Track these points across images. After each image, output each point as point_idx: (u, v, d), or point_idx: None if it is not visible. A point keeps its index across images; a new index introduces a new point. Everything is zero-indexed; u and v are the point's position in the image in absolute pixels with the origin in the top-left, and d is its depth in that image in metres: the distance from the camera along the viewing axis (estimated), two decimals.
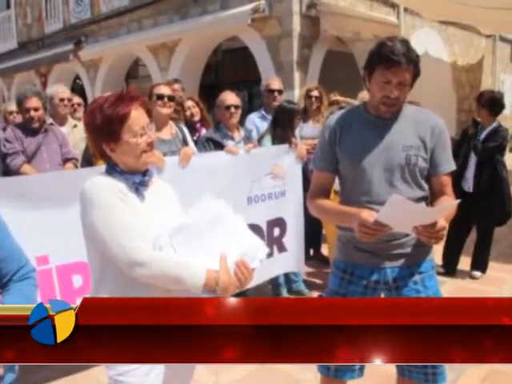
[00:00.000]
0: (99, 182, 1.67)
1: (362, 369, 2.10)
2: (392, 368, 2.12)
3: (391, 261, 2.00)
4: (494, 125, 4.63)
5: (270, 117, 4.64)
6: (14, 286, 1.47)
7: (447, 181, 2.04)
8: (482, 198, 4.55)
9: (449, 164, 2.03)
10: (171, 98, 3.56)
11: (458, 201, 1.85)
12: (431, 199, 2.09)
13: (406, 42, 1.90)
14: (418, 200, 1.99)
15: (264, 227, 3.86)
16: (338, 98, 4.47)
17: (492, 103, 4.57)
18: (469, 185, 4.64)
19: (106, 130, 1.65)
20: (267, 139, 4.20)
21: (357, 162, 1.98)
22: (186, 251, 1.62)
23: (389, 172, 1.95)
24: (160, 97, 3.50)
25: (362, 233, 1.80)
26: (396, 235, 1.93)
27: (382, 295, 2.06)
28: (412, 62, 1.87)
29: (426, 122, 1.99)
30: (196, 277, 1.57)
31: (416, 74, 1.92)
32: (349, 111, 2.12)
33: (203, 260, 1.62)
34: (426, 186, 2.04)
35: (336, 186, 2.21)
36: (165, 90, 3.56)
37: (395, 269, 2.00)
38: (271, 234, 3.96)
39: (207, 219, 1.65)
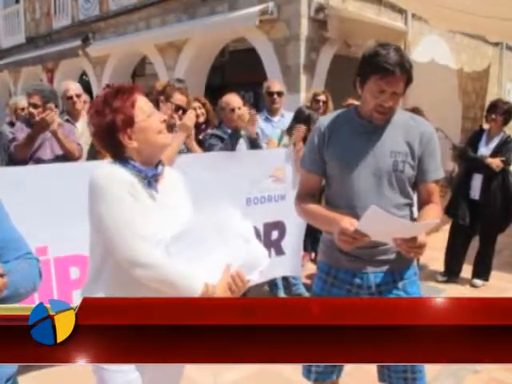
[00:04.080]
0: (111, 174, 1.64)
1: (339, 370, 2.14)
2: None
3: (375, 266, 2.00)
4: (503, 135, 4.65)
5: (273, 119, 4.66)
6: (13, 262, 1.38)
7: (435, 188, 2.04)
8: (487, 207, 4.55)
9: (436, 172, 2.03)
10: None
11: (439, 220, 1.85)
12: (418, 207, 2.09)
13: (399, 50, 1.89)
14: (403, 206, 1.99)
15: (261, 229, 3.87)
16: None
17: (509, 114, 4.60)
18: (474, 193, 4.64)
19: (119, 118, 1.64)
20: (285, 139, 4.21)
21: (344, 166, 1.99)
22: (187, 257, 1.60)
23: (375, 177, 1.95)
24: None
25: (342, 241, 1.81)
26: (380, 241, 1.93)
27: None
28: (406, 71, 1.87)
29: (415, 129, 1.99)
30: (192, 290, 1.57)
31: (408, 81, 1.91)
32: (339, 114, 2.11)
33: (203, 270, 1.60)
34: (412, 193, 2.04)
35: None
36: None
37: (378, 274, 2.00)
38: (269, 236, 3.97)
39: (212, 225, 1.62)
